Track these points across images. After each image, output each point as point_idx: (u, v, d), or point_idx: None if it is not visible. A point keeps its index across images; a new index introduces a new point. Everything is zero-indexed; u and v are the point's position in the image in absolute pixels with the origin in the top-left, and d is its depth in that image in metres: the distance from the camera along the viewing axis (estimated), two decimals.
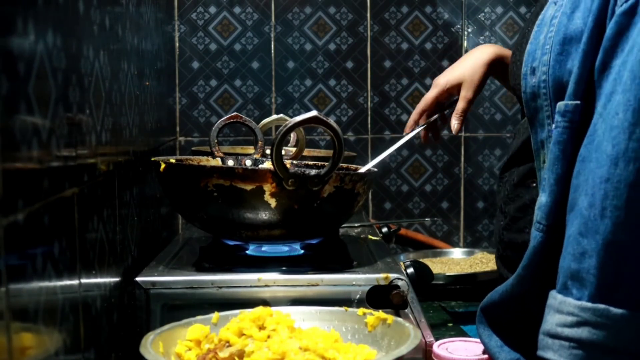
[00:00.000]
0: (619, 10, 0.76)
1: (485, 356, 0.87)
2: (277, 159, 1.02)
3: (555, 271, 0.80)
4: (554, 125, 0.84)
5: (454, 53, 2.10)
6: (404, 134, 1.39)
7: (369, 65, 2.08)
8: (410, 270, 1.18)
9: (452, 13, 2.10)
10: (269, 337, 0.84)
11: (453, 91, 1.34)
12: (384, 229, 1.70)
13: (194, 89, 2.04)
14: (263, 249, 1.21)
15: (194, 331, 0.85)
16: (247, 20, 2.04)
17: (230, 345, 0.82)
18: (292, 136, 1.63)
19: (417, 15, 2.09)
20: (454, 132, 1.34)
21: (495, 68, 1.33)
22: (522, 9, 2.12)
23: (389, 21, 2.08)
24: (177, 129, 2.03)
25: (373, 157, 2.07)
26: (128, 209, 1.11)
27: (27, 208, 0.61)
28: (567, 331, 0.75)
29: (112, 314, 0.97)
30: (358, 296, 1.04)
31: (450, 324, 1.48)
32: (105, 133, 0.94)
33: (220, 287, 1.04)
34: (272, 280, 1.04)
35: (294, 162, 1.36)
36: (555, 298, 0.77)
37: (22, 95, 0.60)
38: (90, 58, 0.86)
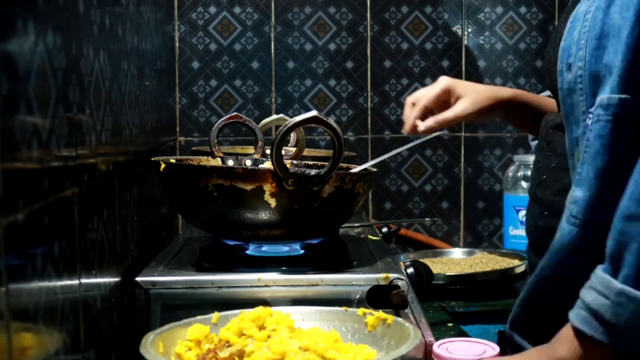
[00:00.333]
0: None
1: (486, 356, 0.87)
2: (277, 159, 1.02)
3: (584, 268, 0.79)
4: (594, 119, 0.84)
5: (454, 53, 2.10)
6: (405, 133, 1.36)
7: (369, 65, 2.08)
8: (410, 270, 1.18)
9: (452, 13, 2.10)
10: (269, 337, 0.84)
11: (448, 98, 1.29)
12: (384, 229, 1.70)
13: (194, 89, 2.04)
14: (263, 249, 1.21)
15: (194, 331, 0.85)
16: (247, 20, 2.04)
17: (230, 345, 0.82)
18: (292, 136, 1.63)
19: (417, 15, 2.09)
20: (405, 131, 1.30)
21: (509, 108, 1.29)
22: (522, 9, 2.12)
23: (389, 21, 2.08)
24: (177, 129, 2.03)
25: (373, 157, 2.07)
26: (128, 209, 1.11)
27: (27, 208, 0.61)
28: (607, 312, 0.75)
29: (112, 314, 0.97)
30: (358, 296, 1.04)
31: (450, 324, 1.48)
32: (105, 133, 0.94)
33: (220, 287, 1.04)
34: (272, 280, 1.04)
35: (294, 162, 1.36)
36: (598, 276, 0.78)
37: (22, 95, 0.60)
38: (90, 58, 0.86)
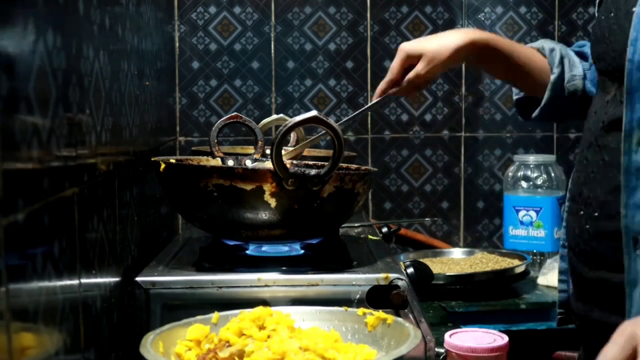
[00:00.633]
0: None
1: (496, 345, 0.88)
2: (277, 159, 1.02)
3: None
4: None
5: None
6: (372, 101, 1.33)
7: (369, 65, 2.08)
8: (410, 270, 1.18)
9: (452, 13, 2.10)
10: (269, 337, 0.84)
11: (414, 62, 1.25)
12: (384, 229, 1.70)
13: (194, 89, 2.04)
14: (263, 249, 1.21)
15: (194, 331, 0.85)
16: (247, 20, 2.04)
17: (230, 345, 0.82)
18: (292, 136, 1.63)
19: (417, 15, 2.09)
20: (377, 93, 1.28)
21: (471, 53, 1.26)
22: (522, 9, 2.12)
23: (389, 21, 2.08)
24: (177, 129, 2.03)
25: (373, 158, 2.07)
26: (128, 209, 1.11)
27: (27, 208, 0.61)
28: None
29: (112, 314, 0.97)
30: (358, 296, 1.04)
31: (450, 324, 1.48)
32: (105, 133, 0.94)
33: (220, 287, 1.04)
34: (272, 280, 1.04)
35: (294, 162, 1.36)
36: None
37: (22, 95, 0.60)
38: (90, 58, 0.86)
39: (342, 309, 0.92)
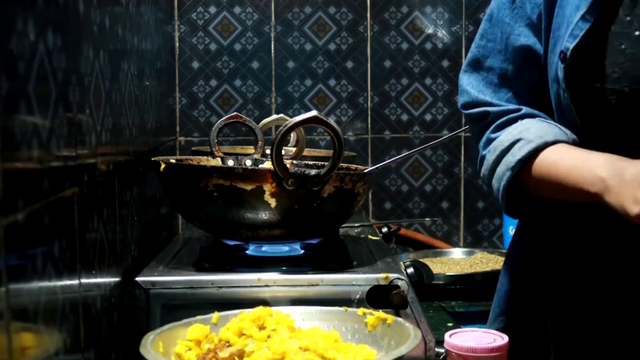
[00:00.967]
0: None
1: (496, 345, 0.88)
2: (277, 159, 1.02)
3: None
4: None
5: (454, 53, 2.10)
6: None
7: (369, 65, 2.08)
8: (410, 270, 1.18)
9: (452, 13, 2.10)
10: (269, 337, 0.84)
11: None
12: (384, 229, 1.70)
13: (194, 89, 2.04)
14: (263, 249, 1.21)
15: (194, 331, 0.85)
16: (247, 20, 2.04)
17: (230, 345, 0.82)
18: (292, 136, 1.63)
19: (417, 15, 2.09)
20: None
21: None
22: None
23: (389, 21, 2.08)
24: (177, 129, 2.03)
25: (373, 157, 2.07)
26: (128, 209, 1.11)
27: (27, 208, 0.61)
28: None
29: (112, 314, 0.97)
30: (358, 296, 1.04)
31: (450, 324, 1.48)
32: (105, 133, 0.94)
33: (220, 287, 1.04)
34: (272, 280, 1.04)
35: (294, 162, 1.36)
36: None
37: (22, 95, 0.60)
38: (90, 58, 0.86)
39: (342, 309, 0.92)
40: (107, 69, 0.95)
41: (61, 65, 0.71)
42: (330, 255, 1.22)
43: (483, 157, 1.04)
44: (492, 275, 1.69)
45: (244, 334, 0.85)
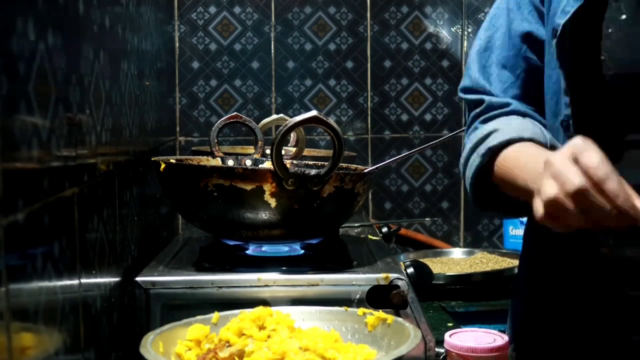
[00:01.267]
0: None
1: (496, 345, 0.88)
2: (277, 159, 1.02)
3: None
4: None
5: (454, 53, 2.10)
6: None
7: (369, 65, 2.08)
8: (410, 270, 1.18)
9: (452, 13, 2.10)
10: (269, 337, 0.84)
11: None
12: (384, 229, 1.70)
13: (194, 89, 2.04)
14: (263, 249, 1.21)
15: (194, 331, 0.85)
16: (247, 20, 2.04)
17: (230, 345, 0.82)
18: (292, 136, 1.63)
19: (417, 15, 2.09)
20: None
21: None
22: None
23: (389, 21, 2.08)
24: (177, 129, 2.03)
25: (373, 157, 2.07)
26: (128, 209, 1.11)
27: (27, 208, 0.61)
28: None
29: (112, 314, 0.97)
30: (358, 296, 1.04)
31: (450, 324, 1.48)
32: (105, 133, 0.94)
33: (220, 287, 1.04)
34: (272, 280, 1.04)
35: (294, 162, 1.36)
36: None
37: (22, 95, 0.60)
38: (90, 58, 0.86)
39: (342, 309, 0.92)
40: (107, 69, 0.95)
41: (61, 65, 0.71)
42: (330, 255, 1.22)
43: (464, 145, 1.05)
44: (492, 275, 1.69)
45: (244, 334, 0.85)
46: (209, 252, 1.26)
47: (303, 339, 0.82)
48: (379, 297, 1.04)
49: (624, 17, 0.91)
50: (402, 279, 1.04)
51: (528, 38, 1.03)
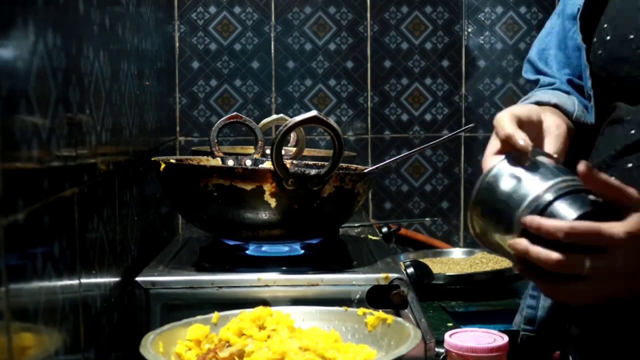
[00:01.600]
0: None
1: (496, 345, 0.88)
2: (277, 158, 1.02)
3: None
4: None
5: (454, 53, 2.10)
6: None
7: (369, 65, 2.08)
8: (410, 270, 1.18)
9: (452, 13, 2.10)
10: (269, 337, 0.84)
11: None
12: (384, 229, 1.70)
13: (194, 89, 2.04)
14: (263, 249, 1.21)
15: (194, 331, 0.85)
16: (247, 20, 2.04)
17: (230, 345, 0.82)
18: (292, 136, 1.63)
19: (417, 15, 2.09)
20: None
21: None
22: (522, 9, 2.12)
23: (389, 21, 2.08)
24: (177, 129, 2.03)
25: (373, 157, 2.07)
26: (128, 209, 1.11)
27: (27, 208, 0.61)
28: None
29: (112, 314, 0.97)
30: (358, 296, 1.04)
31: (450, 324, 1.48)
32: (105, 133, 0.94)
33: (220, 287, 1.04)
34: (272, 280, 1.04)
35: (294, 162, 1.36)
36: None
37: (22, 95, 0.60)
38: (90, 58, 0.86)
39: (342, 309, 0.92)
40: (107, 69, 0.95)
41: (61, 65, 0.71)
42: (330, 255, 1.22)
43: None
44: (492, 275, 1.69)
45: (244, 334, 0.85)
46: (209, 252, 1.26)
47: (303, 339, 0.82)
48: (379, 297, 1.04)
49: (618, 6, 0.96)
50: (402, 279, 1.04)
51: (575, 18, 1.07)
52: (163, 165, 1.11)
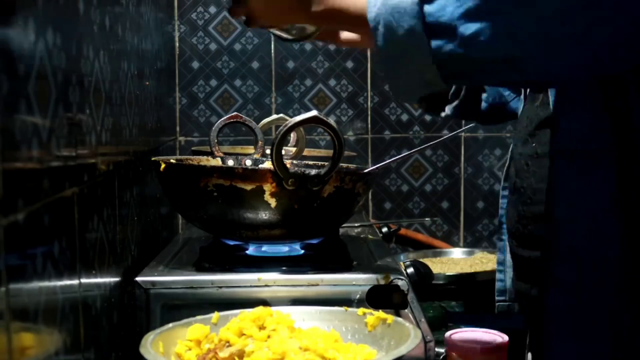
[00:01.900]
0: None
1: (496, 345, 0.88)
2: (277, 159, 1.02)
3: None
4: None
5: None
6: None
7: (368, 65, 2.08)
8: (410, 270, 1.18)
9: None
10: (269, 337, 0.84)
11: None
12: (384, 229, 1.70)
13: (194, 89, 2.04)
14: (263, 249, 1.21)
15: (194, 331, 0.85)
16: None
17: (230, 345, 0.82)
18: (292, 136, 1.63)
19: None
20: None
21: None
22: None
23: None
24: (177, 129, 2.03)
25: (373, 157, 2.07)
26: (128, 209, 1.11)
27: (27, 208, 0.61)
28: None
29: (112, 314, 0.97)
30: (358, 296, 1.04)
31: (450, 324, 1.48)
32: (105, 133, 0.94)
33: (220, 287, 1.04)
34: (272, 280, 1.04)
35: (294, 162, 1.36)
36: None
37: (22, 95, 0.60)
38: (90, 58, 0.86)
39: (342, 309, 0.92)
40: (107, 69, 0.95)
41: (61, 65, 0.71)
42: (330, 255, 1.22)
43: None
44: (492, 275, 1.69)
45: (244, 334, 0.85)
46: (209, 252, 1.26)
47: (303, 339, 0.82)
48: (379, 297, 1.04)
49: None
50: (402, 279, 1.04)
51: None
52: (163, 165, 1.11)
